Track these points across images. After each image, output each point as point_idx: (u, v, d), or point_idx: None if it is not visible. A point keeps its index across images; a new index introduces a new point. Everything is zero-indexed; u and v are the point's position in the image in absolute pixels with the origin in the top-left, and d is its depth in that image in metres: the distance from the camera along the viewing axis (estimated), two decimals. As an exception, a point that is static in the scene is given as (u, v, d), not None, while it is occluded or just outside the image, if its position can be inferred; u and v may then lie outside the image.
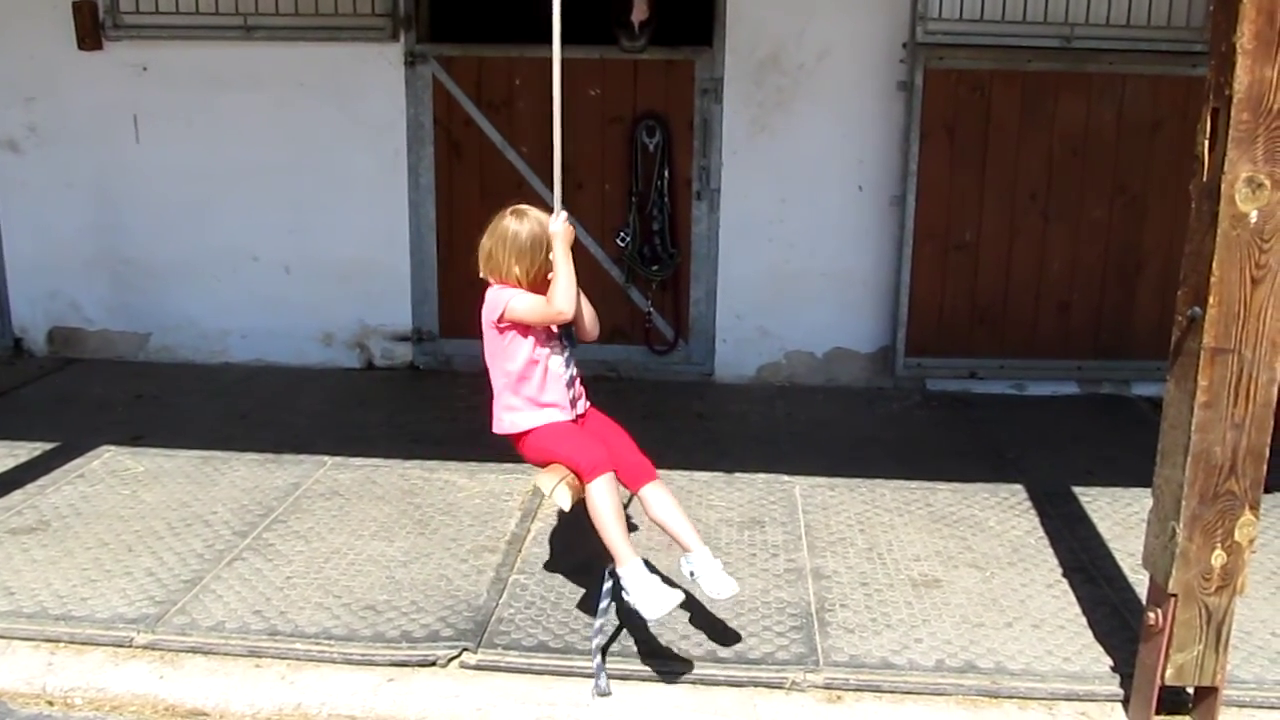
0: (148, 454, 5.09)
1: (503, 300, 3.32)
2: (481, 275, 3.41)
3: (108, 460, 5.00)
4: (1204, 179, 2.81)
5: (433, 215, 6.60)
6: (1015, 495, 4.77)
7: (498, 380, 3.41)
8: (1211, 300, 2.78)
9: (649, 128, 6.38)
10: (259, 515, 4.43)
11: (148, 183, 6.61)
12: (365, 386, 6.47)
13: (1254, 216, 2.74)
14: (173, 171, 6.57)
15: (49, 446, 5.10)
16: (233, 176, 6.57)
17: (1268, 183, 2.71)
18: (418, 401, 6.16)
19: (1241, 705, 3.25)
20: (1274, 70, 2.66)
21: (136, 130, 6.57)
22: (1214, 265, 2.76)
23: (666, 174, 6.41)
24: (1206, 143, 2.78)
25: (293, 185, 6.56)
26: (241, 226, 6.64)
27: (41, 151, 6.65)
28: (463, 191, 6.56)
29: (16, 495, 4.57)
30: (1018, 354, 6.54)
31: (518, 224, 3.34)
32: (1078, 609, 3.76)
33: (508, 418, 3.42)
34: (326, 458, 5.07)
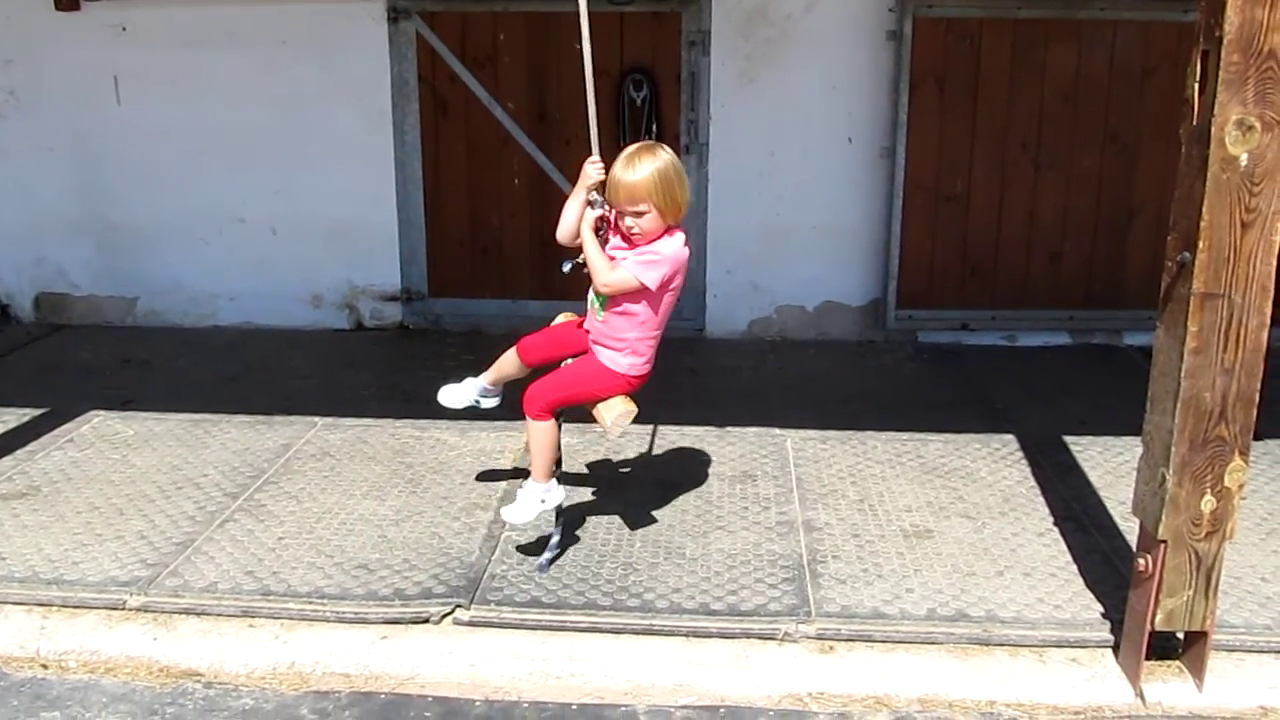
0: (137, 418, 5.07)
1: None
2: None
3: (97, 425, 4.99)
4: (1194, 122, 2.78)
5: (419, 173, 6.54)
6: (1007, 445, 4.77)
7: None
8: (1201, 245, 2.76)
9: (636, 81, 6.31)
10: (250, 477, 4.43)
11: (130, 145, 6.54)
12: (355, 347, 6.44)
13: (1244, 159, 2.71)
14: (155, 133, 6.50)
15: (38, 412, 5.08)
16: (216, 137, 6.50)
17: (1258, 125, 2.68)
18: (408, 361, 6.14)
19: (1231, 650, 3.26)
20: (1265, 11, 2.62)
21: (117, 92, 6.49)
22: (1204, 209, 2.74)
23: (654, 128, 6.34)
24: (1196, 85, 2.74)
25: (277, 145, 6.49)
26: (227, 188, 6.58)
27: (21, 115, 6.57)
28: (449, 149, 6.50)
29: (6, 461, 4.55)
30: (1009, 305, 6.53)
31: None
32: (1069, 557, 3.78)
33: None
34: (317, 419, 5.06)
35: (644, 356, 3.57)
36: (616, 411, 3.54)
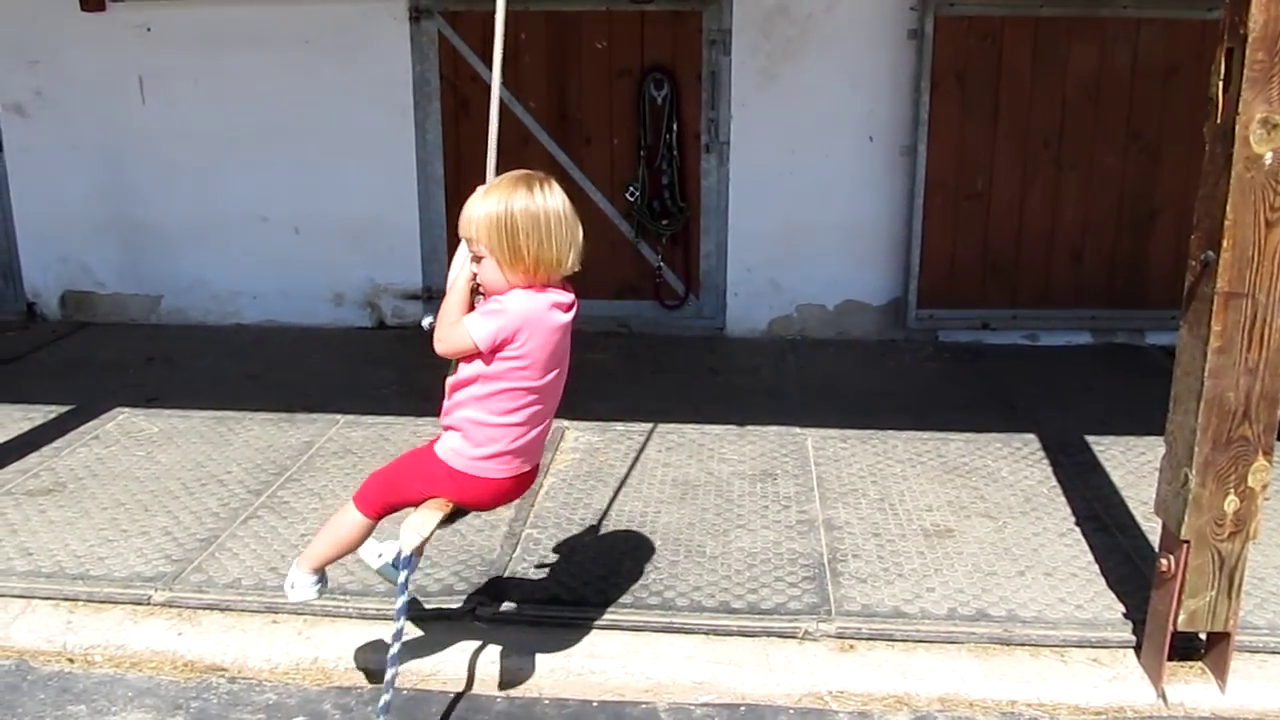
0: (162, 415, 5.12)
1: None
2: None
3: (122, 422, 5.03)
4: (1218, 121, 2.77)
5: (440, 172, 6.57)
6: (1028, 445, 4.76)
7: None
8: (1225, 244, 2.75)
9: (657, 80, 6.32)
10: (273, 474, 4.46)
11: (155, 145, 6.60)
12: (376, 345, 6.48)
13: (1269, 158, 2.69)
14: (179, 133, 6.55)
15: (64, 409, 5.13)
16: (240, 137, 6.54)
17: (1283, 124, 2.67)
18: (429, 360, 6.12)
19: (1254, 651, 3.24)
20: (1290, 9, 2.61)
21: (142, 92, 6.55)
22: (1228, 208, 2.73)
23: (675, 127, 6.35)
24: (1220, 84, 2.73)
25: (300, 145, 6.53)
26: (250, 187, 6.63)
27: (47, 115, 6.63)
28: (470, 148, 6.51)
29: (33, 458, 4.60)
30: (1031, 304, 6.50)
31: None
32: (1090, 557, 3.76)
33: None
34: (339, 416, 5.09)
35: (481, 449, 2.71)
36: (416, 517, 2.73)
